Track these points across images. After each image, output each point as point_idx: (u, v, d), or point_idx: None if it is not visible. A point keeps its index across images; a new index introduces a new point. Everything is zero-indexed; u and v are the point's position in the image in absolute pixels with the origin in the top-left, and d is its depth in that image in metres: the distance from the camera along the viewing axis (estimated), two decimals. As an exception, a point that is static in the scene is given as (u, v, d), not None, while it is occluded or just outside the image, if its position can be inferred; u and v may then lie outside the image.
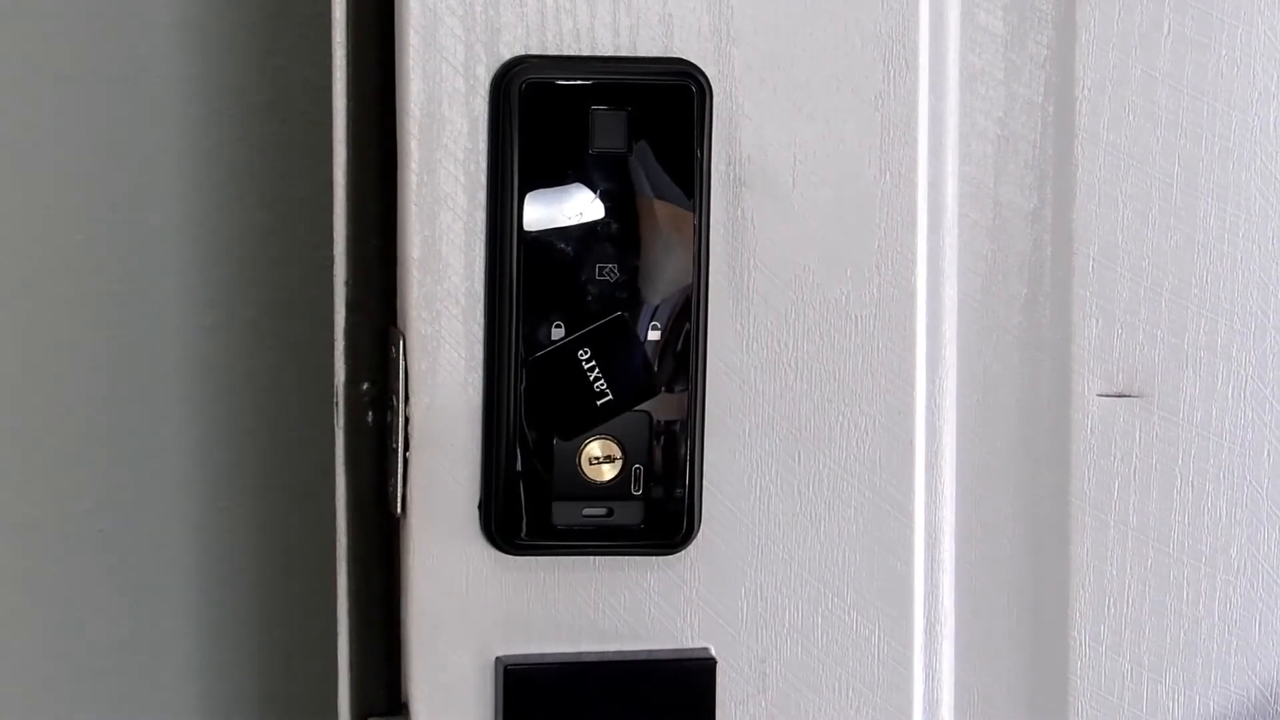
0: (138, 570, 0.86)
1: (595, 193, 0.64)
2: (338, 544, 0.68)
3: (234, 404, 0.85)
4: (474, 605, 0.66)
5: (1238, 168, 0.69)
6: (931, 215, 0.68)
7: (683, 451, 0.66)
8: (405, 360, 0.65)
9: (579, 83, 0.64)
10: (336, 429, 0.68)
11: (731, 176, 0.66)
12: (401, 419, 0.65)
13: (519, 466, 0.65)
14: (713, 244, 0.66)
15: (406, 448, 0.66)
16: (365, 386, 0.68)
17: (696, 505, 0.66)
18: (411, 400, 0.65)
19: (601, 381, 0.65)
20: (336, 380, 0.68)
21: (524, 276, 0.64)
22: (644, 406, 0.65)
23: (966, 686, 0.70)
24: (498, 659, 0.67)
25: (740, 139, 0.66)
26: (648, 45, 0.65)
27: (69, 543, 0.85)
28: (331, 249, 0.67)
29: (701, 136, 0.65)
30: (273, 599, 0.87)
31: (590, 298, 0.65)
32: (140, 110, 0.83)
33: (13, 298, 0.83)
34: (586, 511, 0.66)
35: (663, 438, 0.66)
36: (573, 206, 0.64)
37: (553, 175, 0.64)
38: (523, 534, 0.65)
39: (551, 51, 0.65)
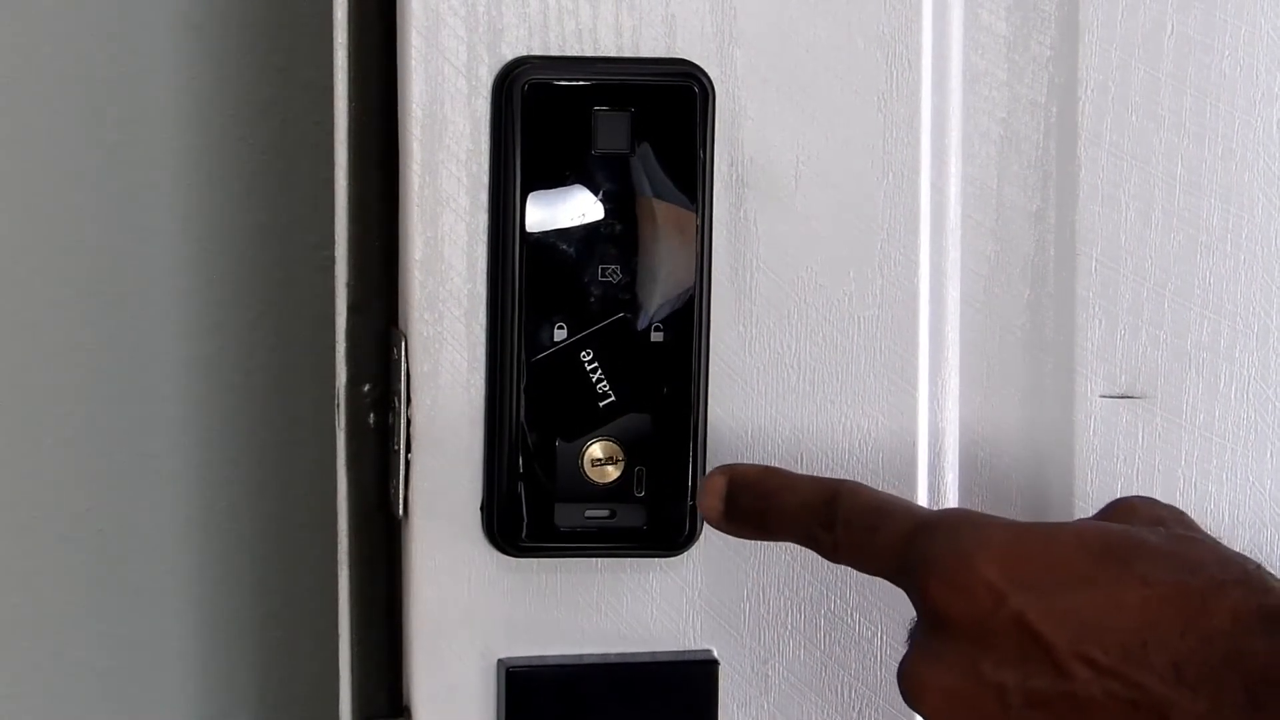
0: (138, 570, 0.85)
1: (597, 194, 0.64)
2: (339, 546, 0.68)
3: (234, 404, 0.85)
4: (476, 607, 0.66)
5: (1241, 169, 0.69)
6: (934, 216, 0.68)
7: (685, 453, 0.66)
8: (407, 361, 0.65)
9: (581, 83, 0.64)
10: (338, 430, 0.68)
11: (734, 177, 0.66)
12: (403, 420, 0.65)
13: (521, 468, 0.65)
14: (715, 245, 0.66)
15: (408, 449, 0.65)
16: (367, 388, 0.68)
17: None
18: (413, 402, 0.65)
19: (604, 383, 0.65)
20: (338, 381, 0.67)
21: (526, 278, 0.64)
22: (646, 408, 0.65)
23: (969, 688, 0.70)
24: (500, 661, 0.66)
25: (743, 140, 0.66)
26: (650, 46, 0.65)
27: (69, 543, 0.85)
28: (333, 250, 0.67)
29: (704, 137, 0.65)
30: (273, 599, 0.87)
31: (592, 299, 0.64)
32: (140, 110, 0.82)
33: (12, 298, 0.83)
34: (589, 513, 0.66)
35: (665, 439, 0.65)
36: (575, 207, 0.64)
37: (555, 176, 0.64)
38: (525, 536, 0.65)
39: (554, 52, 0.64)
